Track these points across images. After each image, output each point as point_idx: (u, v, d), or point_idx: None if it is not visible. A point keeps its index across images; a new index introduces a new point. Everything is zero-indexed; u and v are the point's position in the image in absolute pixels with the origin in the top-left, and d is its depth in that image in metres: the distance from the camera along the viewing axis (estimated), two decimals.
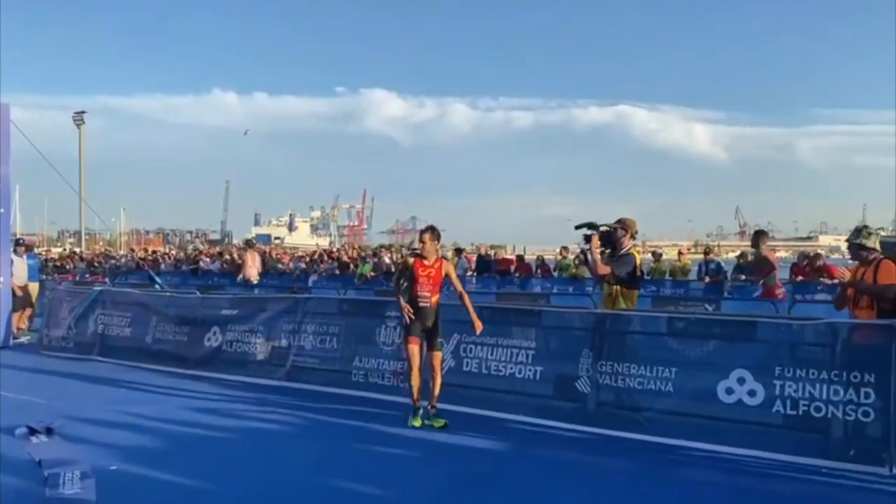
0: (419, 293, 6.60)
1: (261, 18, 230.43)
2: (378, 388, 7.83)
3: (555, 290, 16.70)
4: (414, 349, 6.58)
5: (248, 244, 19.78)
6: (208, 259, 23.28)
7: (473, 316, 6.59)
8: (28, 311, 13.11)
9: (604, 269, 7.14)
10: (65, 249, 41.36)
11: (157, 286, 14.47)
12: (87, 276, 22.37)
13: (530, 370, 6.99)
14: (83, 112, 29.94)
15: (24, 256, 13.24)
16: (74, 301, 11.21)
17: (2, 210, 11.77)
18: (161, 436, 6.34)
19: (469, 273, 18.97)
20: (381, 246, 33.23)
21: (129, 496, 4.79)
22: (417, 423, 6.54)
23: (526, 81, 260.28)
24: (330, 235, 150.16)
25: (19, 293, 12.43)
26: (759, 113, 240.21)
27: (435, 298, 6.64)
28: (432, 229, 6.82)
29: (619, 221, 7.32)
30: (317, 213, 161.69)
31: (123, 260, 27.16)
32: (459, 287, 6.91)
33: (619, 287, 7.11)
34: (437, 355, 6.68)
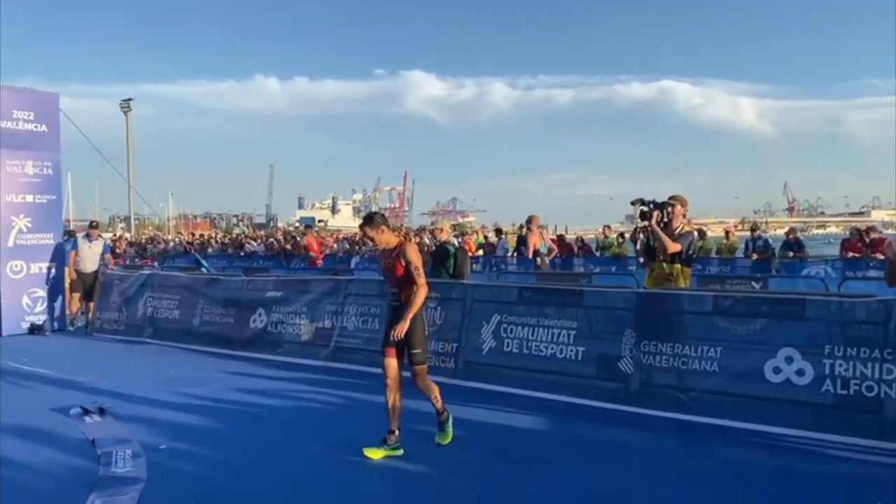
0: (390, 290, 5.51)
1: (301, 2, 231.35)
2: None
3: (597, 270, 16.54)
4: (387, 362, 5.46)
5: (308, 227, 20.36)
6: (254, 242, 23.66)
7: (406, 315, 5.22)
8: (89, 305, 12.16)
9: (674, 247, 6.90)
10: (115, 235, 42.44)
11: (203, 269, 14.76)
12: (137, 260, 22.94)
13: (572, 350, 6.95)
14: (129, 99, 30.46)
15: (98, 242, 12.50)
16: (124, 284, 11.51)
17: (53, 197, 12.12)
18: (209, 415, 6.49)
19: (509, 253, 18.89)
20: (422, 227, 33.32)
21: (179, 474, 4.91)
22: (375, 454, 5.24)
23: (566, 58, 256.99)
24: None
25: (72, 276, 12.00)
26: (807, 85, 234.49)
27: (405, 295, 5.34)
28: (367, 220, 5.37)
29: (672, 198, 7.12)
30: (359, 196, 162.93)
31: (172, 244, 27.76)
32: (417, 277, 5.25)
33: (679, 266, 6.95)
34: (418, 371, 5.45)
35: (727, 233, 17.95)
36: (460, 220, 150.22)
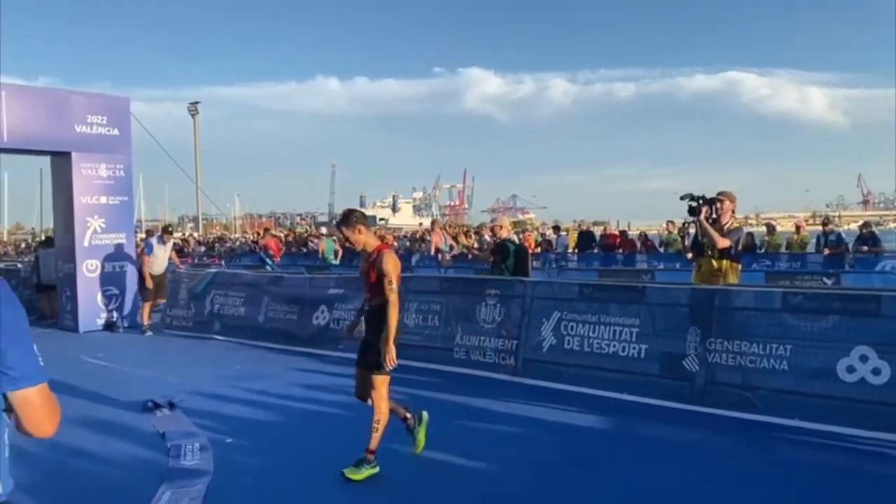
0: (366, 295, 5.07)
1: (360, 3, 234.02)
2: (480, 366, 7.87)
3: (661, 267, 16.21)
4: (358, 377, 5.18)
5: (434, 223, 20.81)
6: (316, 240, 24.03)
7: (388, 334, 4.79)
8: (159, 302, 12.33)
9: (724, 242, 6.78)
10: (184, 234, 43.86)
11: (268, 267, 15.09)
12: (205, 258, 23.60)
13: (634, 348, 6.82)
14: (197, 102, 31.37)
15: (170, 244, 12.75)
16: (192, 282, 11.86)
17: (125, 198, 12.57)
18: (273, 410, 6.62)
19: (570, 250, 18.69)
20: (482, 224, 33.27)
21: (244, 468, 5.03)
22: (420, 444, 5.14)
23: (627, 52, 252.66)
24: (432, 215, 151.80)
25: (150, 284, 11.83)
26: (881, 74, 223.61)
27: (375, 303, 4.88)
28: (343, 219, 4.87)
29: (721, 194, 7.00)
30: (419, 194, 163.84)
31: (238, 243, 28.49)
32: (388, 292, 4.72)
33: (728, 262, 6.81)
34: (376, 379, 4.94)
35: (797, 227, 17.33)
36: (520, 216, 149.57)
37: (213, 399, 6.98)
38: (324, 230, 28.47)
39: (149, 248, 12.24)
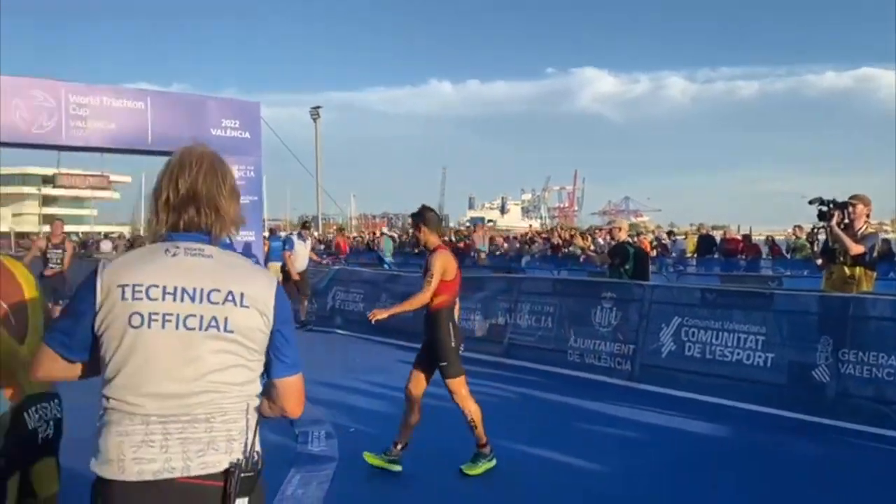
0: None
1: (472, 6, 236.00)
2: (594, 369, 7.82)
3: (788, 273, 15.44)
4: (411, 373, 5.19)
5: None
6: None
7: (393, 307, 5.17)
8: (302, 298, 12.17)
9: (857, 248, 6.39)
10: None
11: (385, 266, 15.54)
12: (325, 256, 24.56)
13: (760, 357, 6.58)
14: (318, 107, 32.72)
15: (309, 241, 13.05)
16: (315, 279, 12.41)
17: (255, 198, 13.26)
18: (393, 402, 6.83)
19: (689, 254, 18.13)
20: (594, 227, 32.76)
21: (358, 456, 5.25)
22: (372, 460, 4.94)
23: (750, 49, 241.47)
24: (541, 217, 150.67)
25: (295, 278, 11.90)
26: None
27: (436, 300, 4.91)
28: (417, 214, 5.04)
29: (854, 198, 6.59)
30: (528, 196, 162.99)
31: (355, 242, 29.43)
32: (425, 283, 4.88)
33: (861, 269, 6.43)
34: (450, 384, 5.03)
35: None
36: (633, 219, 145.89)
37: (337, 389, 7.28)
38: (385, 229, 29.02)
39: (290, 245, 12.36)
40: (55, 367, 1.85)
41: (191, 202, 1.83)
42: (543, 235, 21.88)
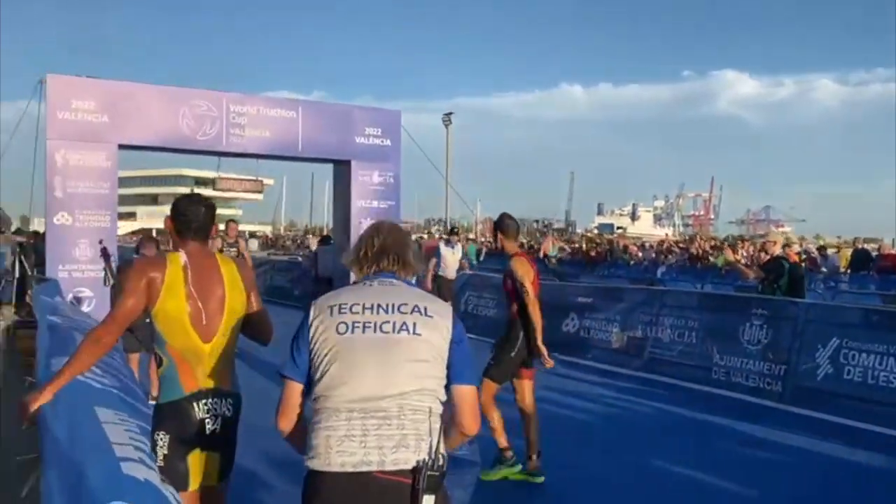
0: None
1: (604, 9, 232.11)
2: (741, 388, 7.50)
3: None
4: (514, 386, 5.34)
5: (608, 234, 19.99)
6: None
7: (536, 335, 5.16)
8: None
9: None
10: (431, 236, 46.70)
11: None
12: None
13: None
14: (450, 113, 33.29)
15: (459, 247, 12.54)
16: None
17: (392, 203, 13.71)
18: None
19: (842, 270, 16.96)
20: (740, 237, 31.20)
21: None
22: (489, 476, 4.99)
23: None
24: (674, 226, 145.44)
25: (427, 287, 10.77)
26: None
27: (514, 308, 5.17)
28: (498, 223, 5.30)
29: None
30: (660, 203, 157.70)
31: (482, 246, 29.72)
32: (523, 295, 5.09)
33: None
34: (484, 383, 5.10)
35: None
36: (774, 229, 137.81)
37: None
38: (471, 234, 28.65)
39: (436, 253, 11.76)
40: (294, 397, 2.18)
41: (383, 254, 2.28)
42: (681, 245, 21.10)
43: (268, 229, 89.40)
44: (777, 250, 7.93)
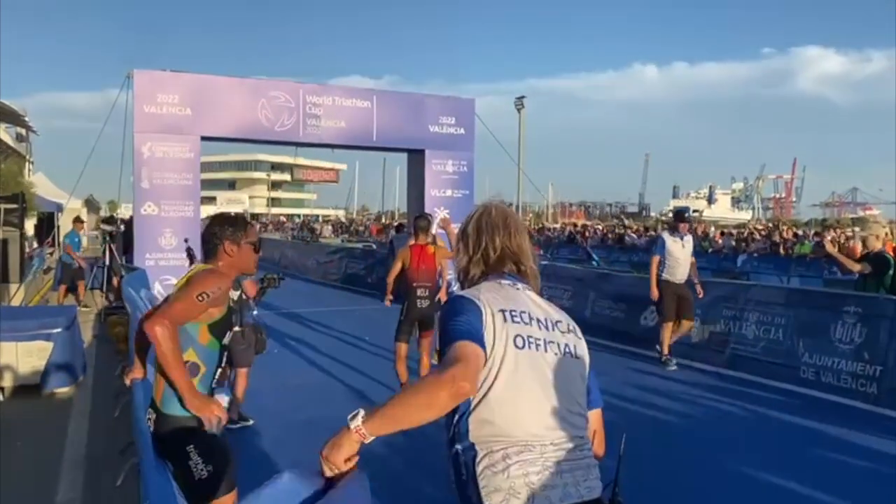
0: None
1: None
2: (831, 389, 7.17)
3: None
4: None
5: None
6: (634, 235, 23.83)
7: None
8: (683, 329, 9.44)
9: None
10: None
11: (594, 262, 15.35)
12: None
13: None
14: (523, 97, 32.84)
15: (687, 237, 11.21)
16: None
17: (467, 191, 13.69)
18: (612, 410, 6.72)
19: None
20: (824, 221, 29.84)
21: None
22: None
23: None
24: (753, 209, 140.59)
25: (654, 295, 8.49)
26: None
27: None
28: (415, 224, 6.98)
29: None
30: (739, 185, 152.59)
31: (556, 233, 29.40)
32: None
33: None
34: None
35: None
36: (861, 213, 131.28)
37: None
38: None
39: (658, 248, 8.65)
40: (480, 363, 1.77)
41: (515, 257, 2.03)
42: (763, 232, 20.24)
43: (341, 213, 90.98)
44: (879, 245, 7.47)
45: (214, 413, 2.72)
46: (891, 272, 7.18)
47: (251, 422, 5.91)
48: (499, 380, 1.77)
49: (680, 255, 8.38)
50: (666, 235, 8.65)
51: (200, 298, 2.75)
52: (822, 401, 7.07)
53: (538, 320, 1.89)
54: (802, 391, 7.33)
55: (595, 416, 2.01)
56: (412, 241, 6.71)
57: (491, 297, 1.87)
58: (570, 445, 1.80)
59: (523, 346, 1.81)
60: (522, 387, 1.78)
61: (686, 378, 8.08)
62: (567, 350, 1.90)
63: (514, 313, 1.84)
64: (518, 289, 1.96)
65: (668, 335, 8.43)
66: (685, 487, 4.89)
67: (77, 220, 13.70)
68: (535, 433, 1.76)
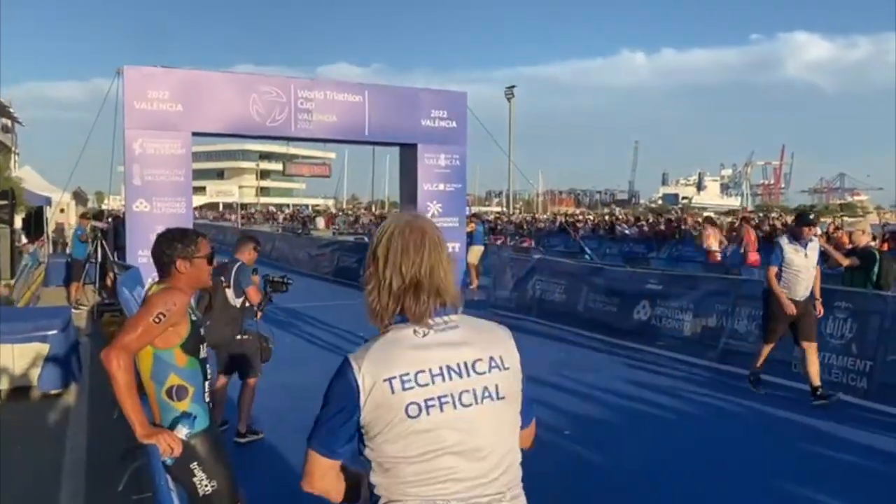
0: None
1: None
2: (823, 384, 7.24)
3: None
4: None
5: (708, 220, 18.21)
6: (625, 225, 23.92)
7: None
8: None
9: None
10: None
11: (587, 256, 15.41)
12: (517, 238, 24.82)
13: None
14: (513, 86, 32.87)
15: (812, 243, 11.20)
16: (516, 267, 12.61)
17: (459, 185, 13.67)
18: (604, 406, 6.83)
19: None
20: (813, 208, 30.04)
21: (586, 461, 5.31)
22: None
23: None
24: (742, 195, 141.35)
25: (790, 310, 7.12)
26: None
27: None
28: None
29: None
30: (728, 172, 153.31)
31: (546, 224, 29.45)
32: None
33: None
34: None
35: None
36: (849, 198, 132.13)
37: (545, 385, 7.33)
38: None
39: (776, 259, 7.13)
40: (329, 475, 1.74)
41: (419, 291, 1.73)
42: (754, 222, 20.28)
43: (330, 203, 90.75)
44: (866, 240, 7.56)
45: (165, 443, 2.71)
46: (877, 267, 7.28)
47: (261, 435, 5.74)
48: (396, 453, 1.65)
49: (801, 267, 6.99)
50: (784, 242, 7.19)
51: (157, 320, 2.75)
52: None
53: (443, 372, 1.68)
54: (794, 385, 7.41)
55: (526, 434, 1.85)
56: None
57: (380, 364, 1.66)
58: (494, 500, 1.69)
59: (418, 415, 1.64)
60: (426, 453, 1.65)
61: (677, 372, 8.17)
62: (487, 394, 1.70)
63: (404, 378, 1.65)
64: (422, 335, 1.71)
65: (765, 354, 7.32)
66: (677, 481, 4.96)
67: (83, 216, 14.06)
68: (445, 497, 1.65)
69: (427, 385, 1.65)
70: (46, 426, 6.20)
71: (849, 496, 4.73)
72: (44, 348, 6.85)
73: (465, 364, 1.70)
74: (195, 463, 2.84)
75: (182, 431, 2.76)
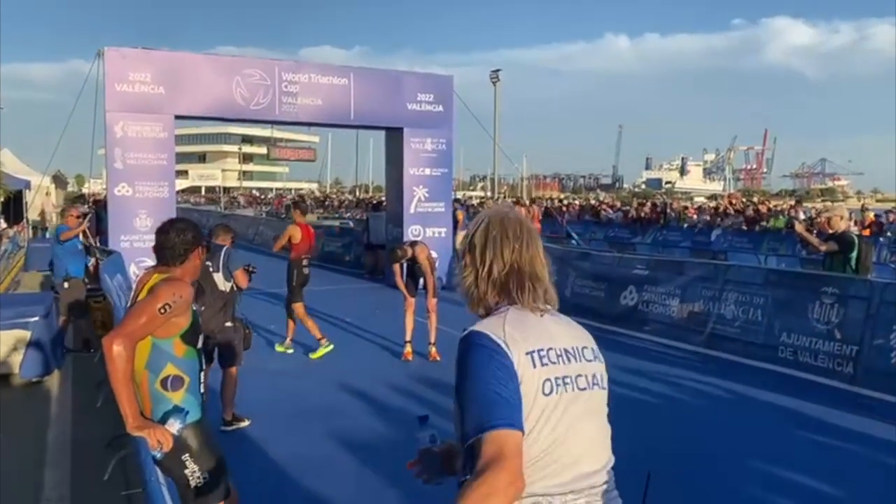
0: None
1: None
2: (809, 369, 7.30)
3: None
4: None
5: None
6: (610, 210, 23.95)
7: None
8: None
9: None
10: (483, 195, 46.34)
11: (573, 242, 15.41)
12: None
13: None
14: (498, 70, 32.63)
15: None
16: None
17: (445, 170, 13.62)
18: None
19: None
20: (795, 194, 30.22)
21: None
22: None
23: None
24: (724, 180, 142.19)
25: None
26: None
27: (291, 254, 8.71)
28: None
29: None
30: (711, 156, 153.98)
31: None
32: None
33: None
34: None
35: None
36: (830, 183, 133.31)
37: None
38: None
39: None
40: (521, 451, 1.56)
41: (529, 280, 1.75)
42: (737, 209, 20.41)
43: (314, 187, 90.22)
44: (843, 226, 7.58)
45: (155, 436, 2.65)
46: (856, 252, 7.32)
47: (246, 423, 5.71)
48: (531, 440, 1.59)
49: None
50: None
51: (163, 311, 2.70)
52: (799, 380, 7.20)
53: (566, 352, 1.67)
54: (780, 370, 7.46)
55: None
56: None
57: (517, 335, 1.61)
58: (604, 491, 1.69)
59: (551, 392, 1.60)
60: (555, 440, 1.61)
61: (665, 358, 8.19)
62: (595, 381, 1.71)
63: (541, 353, 1.61)
64: (540, 315, 1.70)
65: None
66: (663, 466, 4.94)
67: (69, 211, 13.75)
68: (559, 487, 1.62)
69: (557, 364, 1.64)
70: (29, 414, 6.10)
71: (834, 480, 4.76)
72: (25, 335, 6.73)
73: (577, 349, 1.71)
74: (187, 454, 2.79)
75: (173, 426, 2.70)
